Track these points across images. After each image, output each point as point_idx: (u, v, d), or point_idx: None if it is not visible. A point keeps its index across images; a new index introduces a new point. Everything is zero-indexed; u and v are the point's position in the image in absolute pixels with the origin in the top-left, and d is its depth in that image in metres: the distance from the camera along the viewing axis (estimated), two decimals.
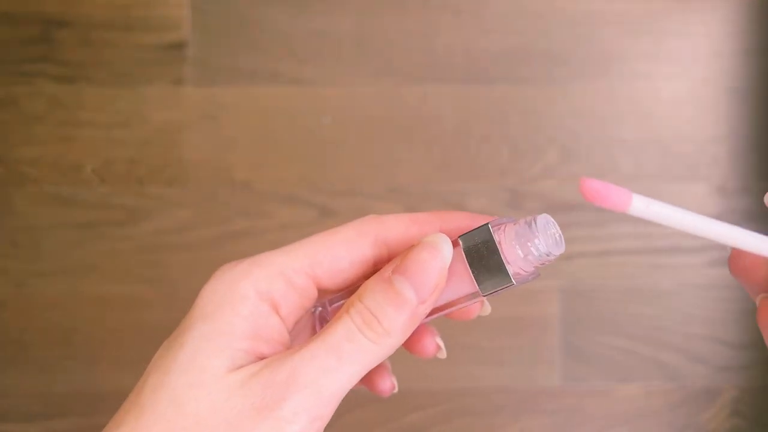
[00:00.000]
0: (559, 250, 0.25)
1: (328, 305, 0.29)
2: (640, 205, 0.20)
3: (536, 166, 0.72)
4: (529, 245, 0.25)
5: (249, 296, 0.25)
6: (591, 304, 0.72)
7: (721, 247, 0.72)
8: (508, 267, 0.25)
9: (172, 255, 0.72)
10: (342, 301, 0.28)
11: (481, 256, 0.25)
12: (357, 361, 0.24)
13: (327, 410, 0.23)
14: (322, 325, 0.29)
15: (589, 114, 0.72)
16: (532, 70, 0.72)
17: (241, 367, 0.24)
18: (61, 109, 0.72)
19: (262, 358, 0.24)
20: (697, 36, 0.73)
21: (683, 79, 0.73)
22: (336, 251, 0.26)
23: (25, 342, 0.71)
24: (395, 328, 0.24)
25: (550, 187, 0.72)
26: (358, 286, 0.26)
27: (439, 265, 0.24)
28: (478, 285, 0.25)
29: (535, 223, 0.25)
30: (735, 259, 0.25)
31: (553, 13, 0.73)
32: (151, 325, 0.71)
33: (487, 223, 0.25)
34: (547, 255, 0.25)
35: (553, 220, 0.25)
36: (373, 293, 0.24)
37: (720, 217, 0.72)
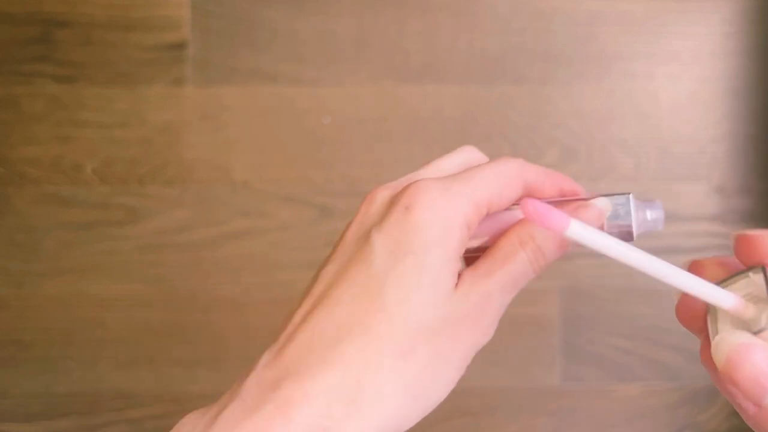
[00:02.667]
0: (659, 227, 0.32)
1: None
2: (578, 230, 0.23)
3: None
4: (648, 214, 0.32)
5: (461, 225, 0.29)
6: (591, 304, 0.72)
7: (722, 248, 0.72)
8: (634, 228, 0.31)
9: (172, 255, 0.72)
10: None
11: (617, 215, 0.31)
12: (521, 286, 0.30)
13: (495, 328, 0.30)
14: None
15: (589, 114, 0.72)
16: (532, 70, 0.72)
17: (456, 286, 0.28)
18: (61, 109, 0.72)
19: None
20: (697, 36, 0.73)
21: (683, 79, 0.73)
22: (506, 189, 0.30)
23: (25, 342, 0.71)
24: (550, 262, 0.30)
25: None
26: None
27: (598, 224, 0.31)
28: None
29: (657, 203, 0.32)
30: (683, 307, 0.29)
31: (553, 13, 0.73)
32: (151, 325, 0.71)
33: (629, 193, 0.32)
34: (655, 224, 0.32)
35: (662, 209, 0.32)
36: (545, 235, 0.29)
37: (720, 217, 0.72)
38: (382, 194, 0.31)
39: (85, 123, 0.72)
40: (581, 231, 0.23)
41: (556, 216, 0.22)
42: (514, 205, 0.31)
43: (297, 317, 0.28)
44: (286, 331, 0.28)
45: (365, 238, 0.29)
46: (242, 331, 0.71)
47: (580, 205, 0.31)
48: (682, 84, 0.73)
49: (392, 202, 0.30)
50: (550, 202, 0.31)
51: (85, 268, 0.71)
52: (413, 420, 0.29)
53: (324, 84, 0.72)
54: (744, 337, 0.23)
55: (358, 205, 0.31)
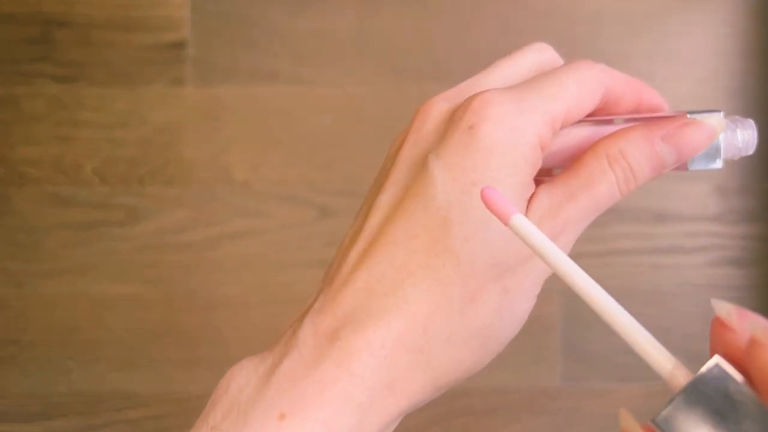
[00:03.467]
0: (750, 151, 0.28)
1: None
2: (520, 223, 0.20)
3: None
4: (738, 135, 0.27)
5: (534, 146, 0.25)
6: None
7: (722, 248, 0.72)
8: (722, 150, 0.27)
9: (172, 255, 0.72)
10: None
11: None
12: (604, 210, 0.26)
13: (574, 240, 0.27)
14: None
15: None
16: None
17: (528, 209, 0.26)
18: (61, 109, 0.72)
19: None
20: (697, 36, 0.73)
21: (683, 80, 0.73)
22: (586, 101, 0.26)
23: (25, 342, 0.71)
24: (640, 185, 0.26)
25: None
26: None
27: (707, 145, 0.26)
28: (691, 162, 0.27)
29: (749, 122, 0.28)
30: None
31: (553, 12, 0.73)
32: (151, 325, 0.71)
33: (720, 111, 0.27)
34: (746, 147, 0.27)
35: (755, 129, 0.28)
36: (640, 155, 0.25)
37: (720, 217, 0.72)
38: (439, 106, 0.27)
39: (85, 123, 0.72)
40: (524, 226, 0.20)
41: (505, 205, 0.20)
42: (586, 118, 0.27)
43: (352, 256, 0.25)
44: (340, 273, 0.25)
45: (422, 163, 0.25)
46: (242, 331, 0.71)
47: (689, 123, 0.26)
48: (682, 84, 0.73)
49: (452, 118, 0.26)
50: (637, 120, 0.27)
51: (85, 268, 0.71)
52: (486, 361, 0.26)
53: (324, 84, 0.72)
54: None
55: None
